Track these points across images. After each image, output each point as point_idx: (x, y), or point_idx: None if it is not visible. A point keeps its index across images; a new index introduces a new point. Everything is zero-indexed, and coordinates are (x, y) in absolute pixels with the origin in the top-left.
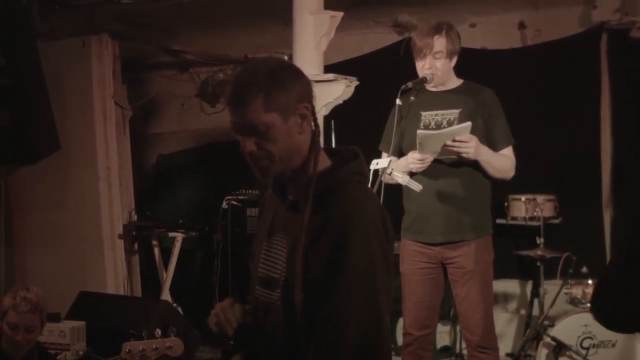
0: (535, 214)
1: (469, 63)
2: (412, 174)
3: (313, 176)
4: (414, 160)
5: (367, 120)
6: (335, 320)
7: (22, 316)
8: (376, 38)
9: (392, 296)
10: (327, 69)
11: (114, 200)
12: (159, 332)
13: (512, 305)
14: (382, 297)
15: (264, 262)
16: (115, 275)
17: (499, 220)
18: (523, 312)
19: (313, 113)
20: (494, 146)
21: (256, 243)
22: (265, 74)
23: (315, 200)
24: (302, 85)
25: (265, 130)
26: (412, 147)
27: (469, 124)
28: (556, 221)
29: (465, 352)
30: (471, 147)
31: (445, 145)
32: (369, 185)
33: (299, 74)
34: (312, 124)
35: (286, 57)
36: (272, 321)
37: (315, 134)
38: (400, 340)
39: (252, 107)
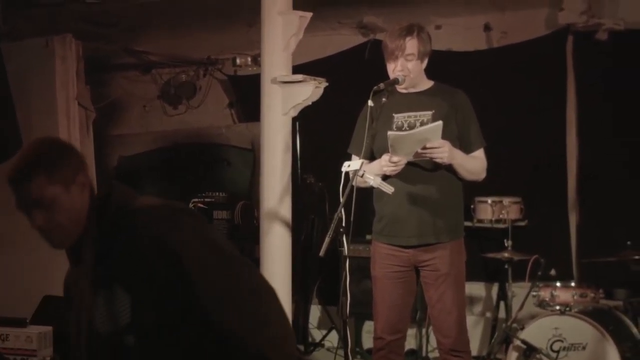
0: (501, 216)
1: (435, 65)
2: (385, 177)
3: (93, 224)
4: (387, 163)
5: (332, 122)
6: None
7: None
8: (341, 39)
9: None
10: (292, 70)
11: None
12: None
13: (478, 308)
14: (231, 261)
15: (101, 323)
16: None
17: (465, 223)
18: (488, 314)
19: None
20: (468, 148)
21: (78, 321)
22: (42, 151)
23: (107, 236)
24: (77, 157)
25: (50, 202)
26: (383, 150)
27: (439, 122)
28: (522, 224)
29: (431, 355)
30: (444, 152)
31: (418, 152)
32: (340, 187)
33: (71, 148)
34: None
35: (249, 59)
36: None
37: (92, 199)
38: (366, 343)
39: (36, 184)
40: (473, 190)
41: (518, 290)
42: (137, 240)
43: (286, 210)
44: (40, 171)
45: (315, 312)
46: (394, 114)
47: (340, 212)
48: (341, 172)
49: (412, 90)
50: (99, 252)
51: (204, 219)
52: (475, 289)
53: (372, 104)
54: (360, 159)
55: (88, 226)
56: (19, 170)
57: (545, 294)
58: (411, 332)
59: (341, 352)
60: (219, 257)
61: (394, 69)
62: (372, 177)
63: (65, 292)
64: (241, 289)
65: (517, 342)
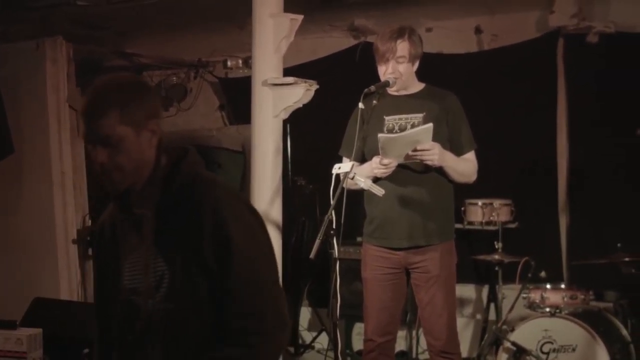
0: (491, 218)
1: (425, 67)
2: (376, 180)
3: (157, 182)
4: (378, 165)
5: (322, 125)
6: (246, 311)
7: None
8: (332, 42)
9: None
10: (283, 72)
11: (68, 205)
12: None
13: (468, 310)
14: (272, 263)
15: (131, 275)
16: (69, 281)
17: (456, 225)
18: (479, 316)
19: (160, 129)
20: (459, 151)
21: (114, 264)
22: (121, 89)
23: (172, 201)
24: (153, 102)
25: (117, 142)
26: (374, 152)
27: (430, 125)
28: (512, 226)
29: (421, 357)
30: (435, 154)
31: (408, 154)
32: (331, 190)
33: (151, 91)
34: (159, 138)
35: (240, 61)
36: (156, 323)
37: (160, 148)
38: (356, 345)
39: (107, 120)
40: (463, 192)
41: (508, 292)
42: (201, 211)
43: (277, 213)
44: (113, 109)
45: (305, 314)
46: (384, 117)
47: (331, 214)
48: (332, 174)
49: (403, 92)
50: (160, 210)
51: (262, 218)
52: (465, 291)
53: (363, 107)
54: (351, 161)
55: (151, 178)
56: (93, 104)
57: (535, 295)
58: (401, 334)
59: (331, 354)
60: (262, 262)
61: (385, 72)
62: (362, 180)
63: (98, 236)
64: (265, 299)
65: (507, 344)
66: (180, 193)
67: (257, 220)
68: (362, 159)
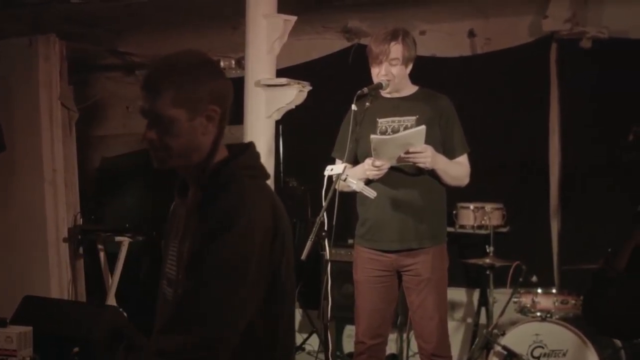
0: (483, 222)
1: (418, 71)
2: (369, 182)
3: (206, 173)
4: (370, 167)
5: (315, 126)
6: (183, 318)
7: None
8: (325, 44)
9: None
10: (276, 73)
11: (60, 203)
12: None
13: (459, 314)
14: (246, 295)
15: (170, 263)
16: (59, 279)
17: (447, 229)
18: (470, 320)
19: (222, 116)
20: (452, 154)
21: (165, 247)
22: (182, 68)
23: (207, 196)
24: (217, 87)
25: (168, 123)
26: (367, 154)
27: (423, 127)
28: (504, 230)
29: None
30: (427, 157)
31: (401, 156)
32: (323, 191)
33: (216, 75)
34: (218, 125)
35: (233, 61)
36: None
37: (218, 136)
38: (347, 347)
39: (161, 99)
40: (455, 195)
41: (499, 296)
42: (212, 218)
43: None
44: (168, 89)
45: (296, 315)
46: (377, 119)
47: (323, 215)
48: (324, 176)
49: (396, 95)
50: (201, 202)
51: (282, 240)
52: (456, 294)
53: (356, 108)
54: (343, 163)
55: (202, 165)
56: (150, 80)
57: (526, 300)
58: (392, 336)
59: (322, 356)
60: (228, 297)
61: (378, 74)
62: (354, 181)
63: (168, 221)
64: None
65: (498, 348)
66: (219, 190)
67: (260, 250)
68: (355, 160)
